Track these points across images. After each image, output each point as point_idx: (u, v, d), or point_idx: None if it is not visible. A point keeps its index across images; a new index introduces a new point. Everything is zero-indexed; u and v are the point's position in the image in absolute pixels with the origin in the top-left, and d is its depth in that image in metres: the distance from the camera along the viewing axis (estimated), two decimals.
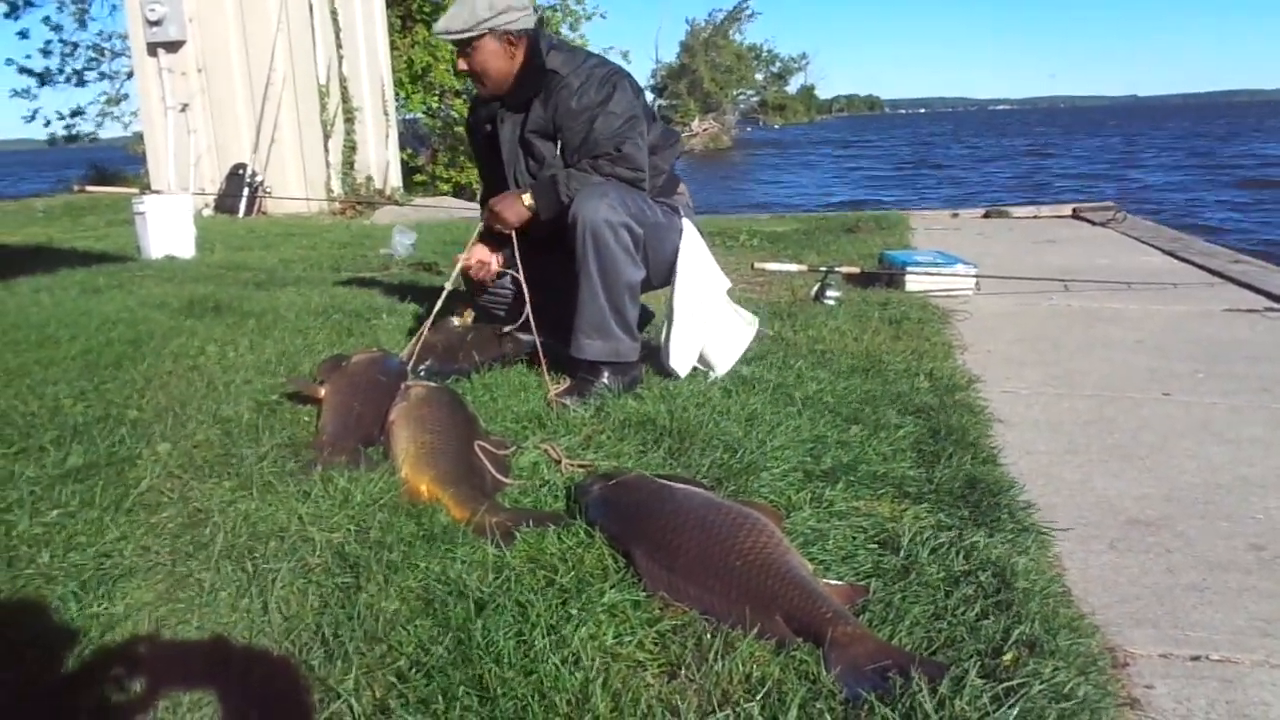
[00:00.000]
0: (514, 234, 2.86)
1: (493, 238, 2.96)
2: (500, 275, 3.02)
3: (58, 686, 1.38)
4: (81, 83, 17.72)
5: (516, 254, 2.86)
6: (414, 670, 1.40)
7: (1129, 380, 3.22)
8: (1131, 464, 2.45)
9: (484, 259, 3.00)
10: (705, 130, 43.10)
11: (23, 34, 25.33)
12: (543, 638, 1.46)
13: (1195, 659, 1.58)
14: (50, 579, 1.66)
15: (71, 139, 18.24)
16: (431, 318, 3.01)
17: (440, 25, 2.83)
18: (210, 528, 1.85)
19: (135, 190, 9.89)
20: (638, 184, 2.83)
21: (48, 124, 18.10)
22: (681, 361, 2.92)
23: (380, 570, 1.68)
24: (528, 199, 2.81)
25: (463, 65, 2.88)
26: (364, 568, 1.70)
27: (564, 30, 15.98)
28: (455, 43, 2.83)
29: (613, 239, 2.71)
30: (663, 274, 2.96)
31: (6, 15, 16.64)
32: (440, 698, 1.34)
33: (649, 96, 2.97)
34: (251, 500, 1.97)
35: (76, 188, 12.85)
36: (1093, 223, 7.92)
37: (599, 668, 1.40)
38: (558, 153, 2.86)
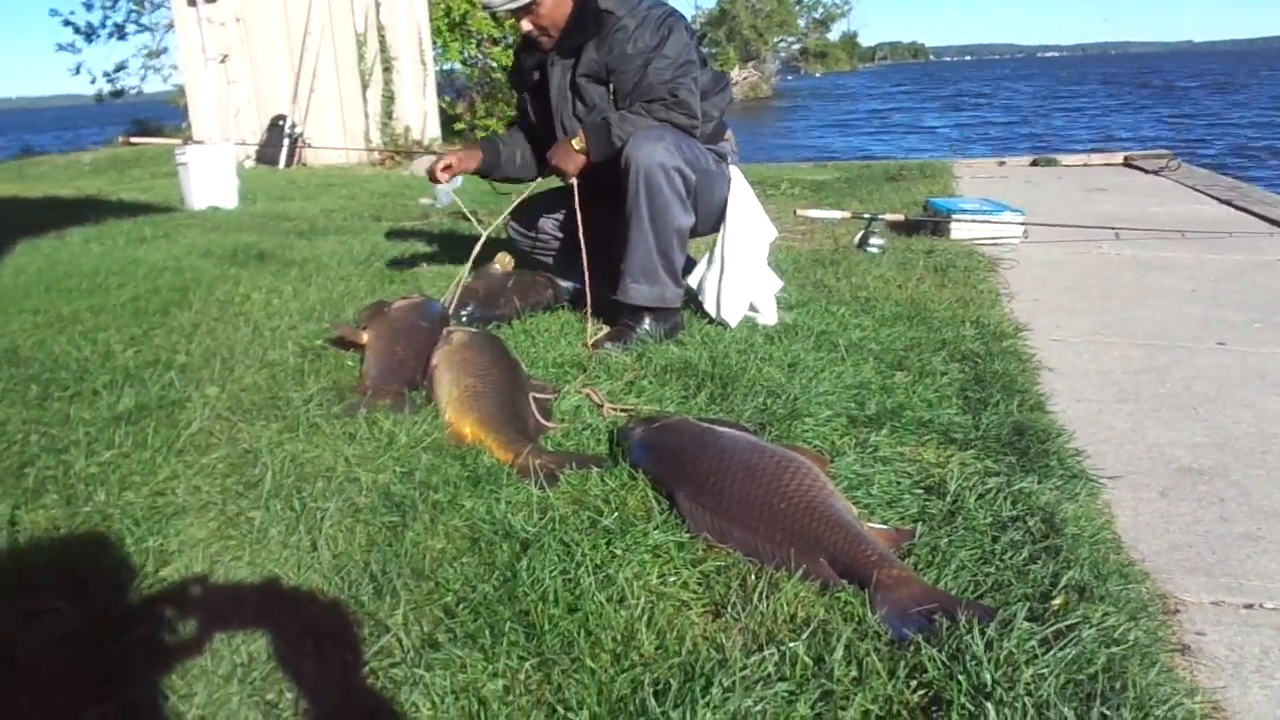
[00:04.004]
0: (574, 183, 2.80)
1: (555, 191, 2.91)
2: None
3: (118, 618, 1.42)
4: (122, 36, 17.83)
5: (577, 201, 2.80)
6: (461, 606, 1.42)
7: (1182, 329, 3.15)
8: (1184, 413, 2.40)
9: (452, 166, 3.07)
10: (745, 79, 42.36)
11: None
12: (588, 576, 1.47)
13: (1249, 607, 1.55)
14: (106, 516, 1.71)
15: (116, 94, 18.39)
16: (470, 262, 3.01)
17: None
18: (259, 468, 1.88)
19: (178, 142, 9.96)
20: (690, 130, 2.77)
21: (93, 80, 18.27)
22: (733, 312, 2.89)
23: (426, 510, 1.70)
24: (578, 143, 2.74)
25: (528, 26, 2.76)
26: (410, 507, 1.71)
27: None
28: (519, 7, 2.71)
29: (666, 183, 2.67)
30: (710, 222, 2.92)
31: None
32: (487, 632, 1.35)
33: None
34: (299, 442, 2.00)
35: (121, 141, 12.96)
36: (1145, 170, 7.70)
37: (644, 606, 1.41)
38: (609, 97, 2.80)
